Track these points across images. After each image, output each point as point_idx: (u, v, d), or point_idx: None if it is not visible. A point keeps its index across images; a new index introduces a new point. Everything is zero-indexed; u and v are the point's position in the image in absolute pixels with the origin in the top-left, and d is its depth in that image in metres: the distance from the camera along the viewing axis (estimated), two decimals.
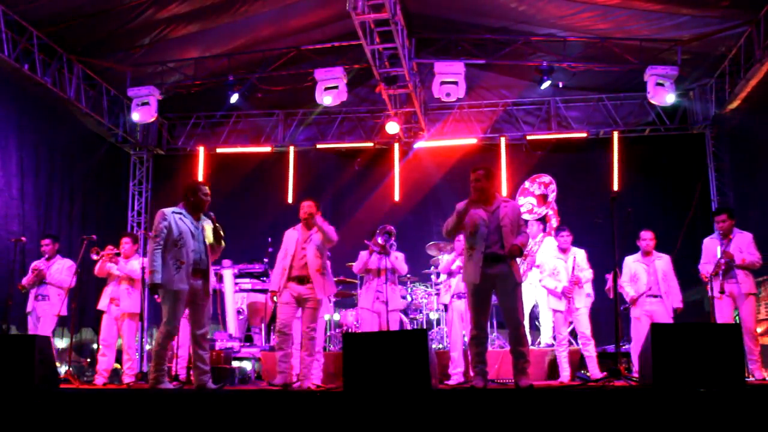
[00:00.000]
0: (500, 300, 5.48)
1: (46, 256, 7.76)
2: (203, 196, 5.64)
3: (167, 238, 5.40)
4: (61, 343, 9.12)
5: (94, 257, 7.53)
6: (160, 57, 10.03)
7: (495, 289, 5.43)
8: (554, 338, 8.36)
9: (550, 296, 7.25)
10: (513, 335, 5.35)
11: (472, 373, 5.61)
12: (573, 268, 7.11)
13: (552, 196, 9.42)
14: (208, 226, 5.68)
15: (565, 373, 7.09)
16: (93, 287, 8.49)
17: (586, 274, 7.22)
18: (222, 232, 5.72)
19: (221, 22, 9.36)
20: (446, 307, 7.44)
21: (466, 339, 6.67)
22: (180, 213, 5.54)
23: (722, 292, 6.68)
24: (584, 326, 7.07)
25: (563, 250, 7.24)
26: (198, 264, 5.51)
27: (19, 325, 8.29)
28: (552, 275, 7.20)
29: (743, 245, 6.81)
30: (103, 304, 7.52)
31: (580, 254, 7.24)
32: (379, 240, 7.59)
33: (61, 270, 7.68)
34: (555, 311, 7.22)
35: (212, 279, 5.83)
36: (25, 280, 7.74)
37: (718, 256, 6.77)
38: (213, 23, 9.39)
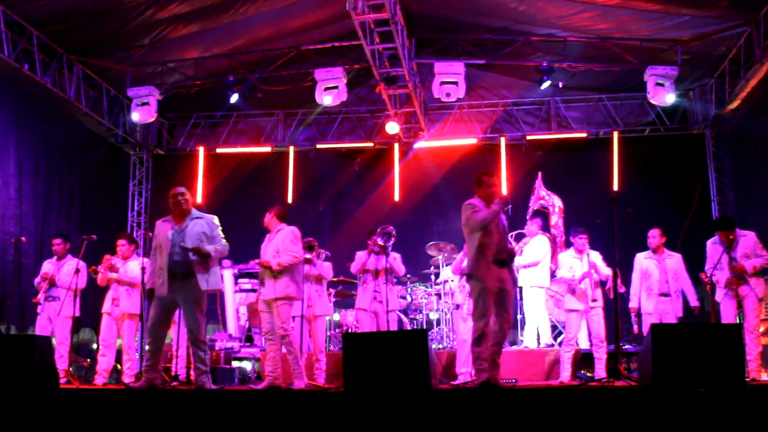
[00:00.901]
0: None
1: (57, 256, 7.68)
2: (171, 197, 5.75)
3: (154, 245, 5.73)
4: None
5: (94, 275, 7.51)
6: (160, 57, 10.03)
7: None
8: (554, 338, 8.35)
9: (568, 295, 7.14)
10: (502, 334, 5.48)
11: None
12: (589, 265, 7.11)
13: (539, 191, 9.24)
14: (195, 228, 5.66)
15: (565, 373, 7.06)
16: (91, 288, 8.48)
17: (606, 271, 7.12)
18: (202, 250, 5.56)
19: (221, 22, 9.36)
20: (458, 307, 7.41)
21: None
22: (166, 220, 5.75)
23: (740, 307, 6.67)
24: (599, 327, 7.01)
25: (580, 251, 7.19)
26: (173, 268, 5.55)
27: (19, 325, 8.29)
28: (568, 272, 7.17)
29: (749, 249, 6.74)
30: (107, 306, 7.51)
31: (594, 255, 7.20)
32: (379, 241, 7.58)
33: (71, 271, 7.60)
34: (570, 311, 7.11)
35: (201, 283, 5.55)
36: (36, 282, 7.67)
37: (726, 267, 6.71)
38: (213, 23, 9.38)
